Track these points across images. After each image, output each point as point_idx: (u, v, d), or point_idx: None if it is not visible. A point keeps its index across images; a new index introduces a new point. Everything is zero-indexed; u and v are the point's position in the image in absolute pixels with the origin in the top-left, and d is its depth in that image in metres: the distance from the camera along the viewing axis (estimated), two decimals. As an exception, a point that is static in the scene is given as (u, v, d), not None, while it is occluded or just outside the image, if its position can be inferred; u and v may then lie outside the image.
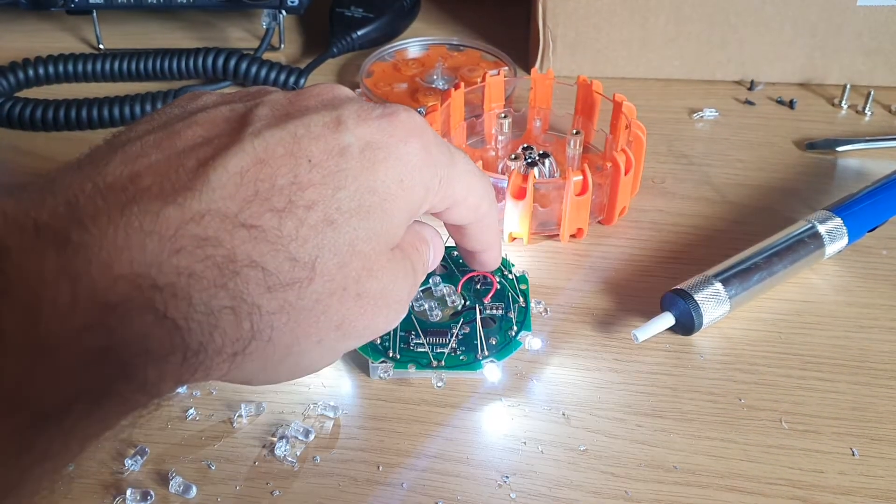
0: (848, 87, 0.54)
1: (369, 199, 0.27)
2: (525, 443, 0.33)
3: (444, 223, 0.33)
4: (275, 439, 0.33)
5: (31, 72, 0.54)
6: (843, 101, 0.54)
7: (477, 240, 0.34)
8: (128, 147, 0.25)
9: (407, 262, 0.30)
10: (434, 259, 0.32)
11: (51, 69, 0.54)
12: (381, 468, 0.32)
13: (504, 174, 0.42)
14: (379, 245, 0.27)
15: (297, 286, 0.25)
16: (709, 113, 0.53)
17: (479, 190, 0.32)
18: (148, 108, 0.51)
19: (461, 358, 0.35)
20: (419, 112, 0.33)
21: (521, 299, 0.38)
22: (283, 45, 0.60)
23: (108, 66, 0.55)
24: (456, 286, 0.39)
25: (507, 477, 0.32)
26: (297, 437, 0.33)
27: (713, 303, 0.37)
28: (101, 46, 0.59)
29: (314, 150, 0.26)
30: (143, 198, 0.23)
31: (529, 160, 0.44)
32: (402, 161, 0.28)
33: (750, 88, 0.55)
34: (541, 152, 0.45)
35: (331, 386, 0.36)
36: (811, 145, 0.50)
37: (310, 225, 0.25)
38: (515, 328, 0.37)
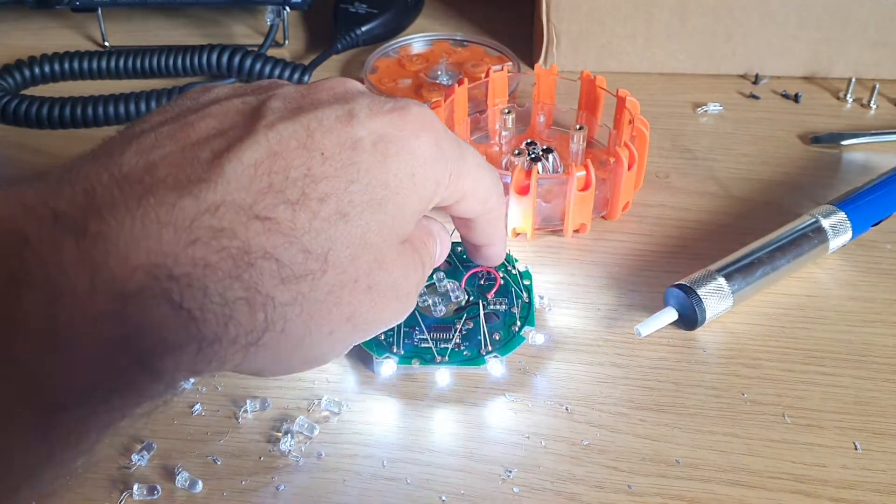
0: (853, 80, 0.53)
1: (381, 192, 0.27)
2: (528, 437, 0.34)
3: (452, 216, 0.34)
4: (280, 434, 0.33)
5: (37, 70, 0.54)
6: (849, 95, 0.54)
7: (483, 233, 0.34)
8: (142, 138, 0.25)
9: (416, 256, 0.30)
10: (441, 254, 0.33)
11: (56, 67, 0.55)
12: (385, 463, 0.33)
13: (508, 170, 0.42)
14: (390, 238, 0.28)
15: (309, 278, 0.25)
16: (713, 107, 0.53)
17: (488, 183, 0.32)
18: (153, 104, 0.51)
19: (465, 353, 0.36)
20: (425, 107, 0.33)
21: (525, 294, 0.38)
22: (287, 42, 0.60)
23: (113, 64, 0.55)
24: (459, 282, 0.39)
25: (510, 471, 0.32)
26: (301, 433, 0.34)
27: (716, 297, 0.37)
28: (106, 44, 0.59)
29: (327, 143, 0.26)
30: (158, 189, 0.23)
31: (533, 155, 0.44)
32: (413, 155, 0.28)
33: (755, 82, 0.55)
34: (544, 147, 0.45)
35: (335, 381, 0.36)
36: (816, 139, 0.50)
37: (323, 217, 0.26)
38: (519, 323, 0.37)
